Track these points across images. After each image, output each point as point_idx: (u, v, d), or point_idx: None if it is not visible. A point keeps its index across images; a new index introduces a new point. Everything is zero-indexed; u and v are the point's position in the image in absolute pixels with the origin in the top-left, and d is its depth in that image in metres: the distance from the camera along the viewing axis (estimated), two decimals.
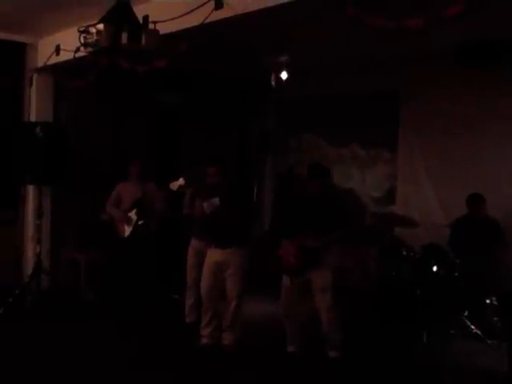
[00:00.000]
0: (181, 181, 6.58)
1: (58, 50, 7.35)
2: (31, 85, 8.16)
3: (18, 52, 8.14)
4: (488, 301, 6.43)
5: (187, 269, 6.76)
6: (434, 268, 6.83)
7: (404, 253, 7.13)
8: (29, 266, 8.08)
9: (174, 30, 5.45)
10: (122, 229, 7.40)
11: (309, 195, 5.80)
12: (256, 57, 7.87)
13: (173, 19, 5.25)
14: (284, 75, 8.21)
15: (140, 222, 7.35)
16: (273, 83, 8.31)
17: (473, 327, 6.47)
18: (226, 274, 5.95)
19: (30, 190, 8.21)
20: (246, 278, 5.99)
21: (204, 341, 6.12)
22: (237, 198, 6.02)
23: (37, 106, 8.18)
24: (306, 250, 5.62)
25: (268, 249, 6.02)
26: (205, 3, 5.07)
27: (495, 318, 6.33)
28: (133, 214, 7.35)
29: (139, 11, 5.30)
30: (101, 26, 4.75)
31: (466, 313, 6.58)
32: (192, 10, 5.13)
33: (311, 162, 9.85)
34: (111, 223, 7.53)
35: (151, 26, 5.32)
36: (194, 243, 6.70)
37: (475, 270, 6.59)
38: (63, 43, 7.16)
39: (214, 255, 6.00)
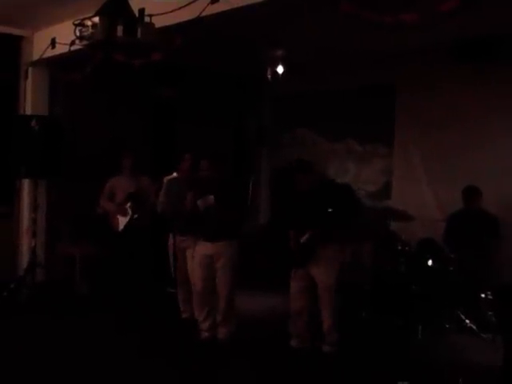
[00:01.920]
0: (175, 175, 6.58)
1: (53, 43, 7.32)
2: (27, 78, 8.13)
3: (14, 45, 8.11)
4: (483, 295, 6.44)
5: (176, 266, 6.76)
6: (429, 262, 6.84)
7: (399, 247, 7.14)
8: (24, 260, 8.10)
9: (169, 23, 5.45)
10: (116, 222, 7.38)
11: (299, 190, 5.85)
12: (251, 51, 7.86)
13: (169, 13, 5.24)
14: (279, 69, 8.19)
15: (134, 216, 7.33)
16: (268, 78, 8.29)
17: (467, 321, 6.48)
18: (216, 267, 5.96)
19: (26, 184, 8.21)
20: (237, 272, 6.00)
21: (205, 334, 6.13)
22: (229, 192, 6.02)
23: (32, 99, 8.15)
24: (303, 243, 5.66)
25: (263, 243, 6.04)
26: None
27: (490, 312, 6.35)
28: (127, 207, 7.32)
29: (135, 4, 5.28)
30: (96, 19, 4.74)
31: (461, 307, 6.60)
32: (188, 4, 5.12)
33: (307, 156, 9.99)
34: (105, 217, 7.52)
35: (147, 19, 5.31)
36: (179, 239, 6.63)
37: (469, 263, 6.60)
38: (59, 36, 7.13)
39: (203, 248, 6.00)
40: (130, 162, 7.48)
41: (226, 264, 5.93)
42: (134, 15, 5.07)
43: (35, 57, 7.95)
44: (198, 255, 6.06)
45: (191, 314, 6.50)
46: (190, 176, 6.41)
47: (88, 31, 4.78)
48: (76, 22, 4.82)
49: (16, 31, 7.99)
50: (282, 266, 5.97)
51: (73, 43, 5.11)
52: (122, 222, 7.34)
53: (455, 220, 7.13)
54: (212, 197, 5.81)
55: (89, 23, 4.77)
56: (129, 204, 7.32)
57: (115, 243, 7.39)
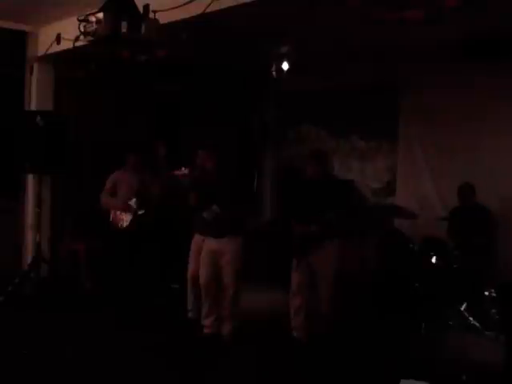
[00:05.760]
0: (185, 170, 6.55)
1: (58, 38, 7.32)
2: (32, 73, 8.15)
3: (19, 41, 8.12)
4: (486, 292, 6.44)
5: (189, 262, 6.74)
6: (433, 260, 6.84)
7: (403, 244, 7.13)
8: (28, 255, 8.12)
9: (174, 19, 5.45)
10: (119, 218, 7.36)
11: (310, 179, 5.94)
12: (256, 47, 7.84)
13: (173, 8, 5.24)
14: (284, 66, 8.18)
15: (140, 212, 7.30)
16: (273, 74, 8.28)
17: (471, 319, 6.48)
18: (221, 263, 5.99)
19: (30, 179, 8.22)
20: (241, 267, 6.02)
21: (206, 331, 6.15)
22: (232, 187, 6.03)
23: (37, 94, 8.17)
24: (311, 232, 5.74)
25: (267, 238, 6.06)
26: None
27: (493, 310, 6.34)
28: (132, 204, 7.29)
29: (139, 0, 5.29)
30: (100, 15, 4.74)
31: (465, 305, 6.59)
32: (192, 0, 5.12)
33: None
34: (107, 214, 7.48)
35: (151, 15, 5.32)
36: (196, 237, 6.64)
37: (472, 260, 6.61)
38: (64, 32, 7.13)
39: (209, 245, 6.06)
40: (134, 158, 7.46)
41: (230, 261, 5.96)
42: (139, 11, 5.08)
43: (40, 52, 7.96)
44: (204, 252, 6.11)
45: (197, 315, 6.46)
46: (192, 175, 6.39)
47: (92, 27, 4.78)
48: (80, 18, 4.82)
49: (21, 27, 8.00)
50: (284, 259, 6.01)
51: (77, 39, 5.10)
52: (126, 218, 7.31)
53: (454, 216, 7.19)
54: (217, 206, 5.83)
55: (93, 19, 4.77)
56: (134, 200, 7.27)
57: (118, 240, 7.37)
